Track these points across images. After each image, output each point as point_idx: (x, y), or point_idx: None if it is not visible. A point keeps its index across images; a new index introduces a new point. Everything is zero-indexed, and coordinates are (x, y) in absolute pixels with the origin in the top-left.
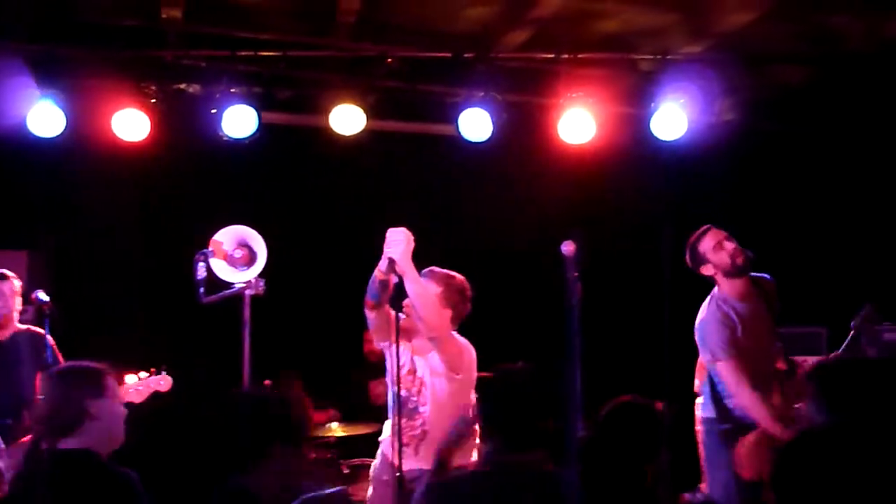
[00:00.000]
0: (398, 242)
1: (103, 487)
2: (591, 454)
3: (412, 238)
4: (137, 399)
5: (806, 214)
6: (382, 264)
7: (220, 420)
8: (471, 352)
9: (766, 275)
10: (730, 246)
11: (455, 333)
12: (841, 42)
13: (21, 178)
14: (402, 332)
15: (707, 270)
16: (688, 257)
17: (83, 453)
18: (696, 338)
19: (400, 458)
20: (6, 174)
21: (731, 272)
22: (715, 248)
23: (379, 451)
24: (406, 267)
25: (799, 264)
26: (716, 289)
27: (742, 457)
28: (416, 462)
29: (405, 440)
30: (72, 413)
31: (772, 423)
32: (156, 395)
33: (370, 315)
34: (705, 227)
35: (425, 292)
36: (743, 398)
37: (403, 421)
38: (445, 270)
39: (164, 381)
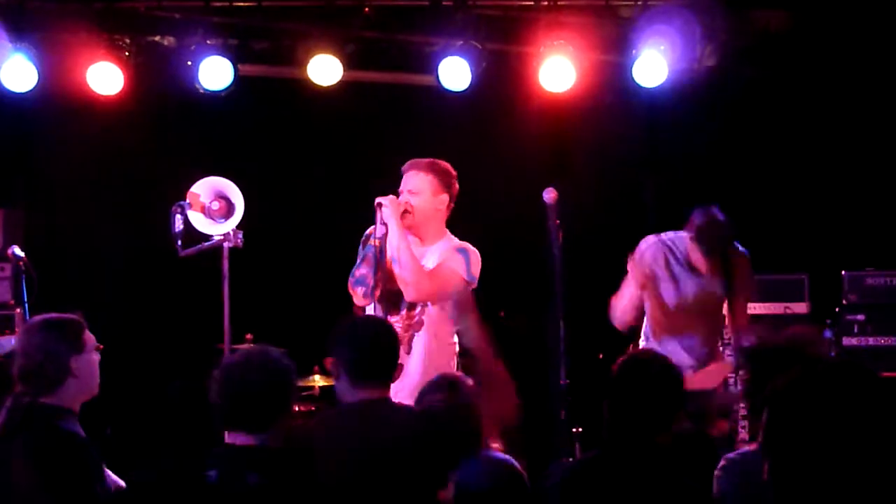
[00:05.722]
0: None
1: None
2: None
3: (399, 203)
4: None
5: (787, 160)
6: (379, 231)
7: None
8: (464, 264)
9: (743, 249)
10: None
11: (447, 243)
12: None
13: None
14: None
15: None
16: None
17: (57, 410)
18: None
19: None
20: None
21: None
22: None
23: None
24: (394, 226)
25: (780, 211)
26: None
27: None
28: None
29: (399, 332)
30: (55, 371)
31: None
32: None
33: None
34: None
35: (409, 255)
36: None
37: (403, 313)
38: (426, 159)
39: None
